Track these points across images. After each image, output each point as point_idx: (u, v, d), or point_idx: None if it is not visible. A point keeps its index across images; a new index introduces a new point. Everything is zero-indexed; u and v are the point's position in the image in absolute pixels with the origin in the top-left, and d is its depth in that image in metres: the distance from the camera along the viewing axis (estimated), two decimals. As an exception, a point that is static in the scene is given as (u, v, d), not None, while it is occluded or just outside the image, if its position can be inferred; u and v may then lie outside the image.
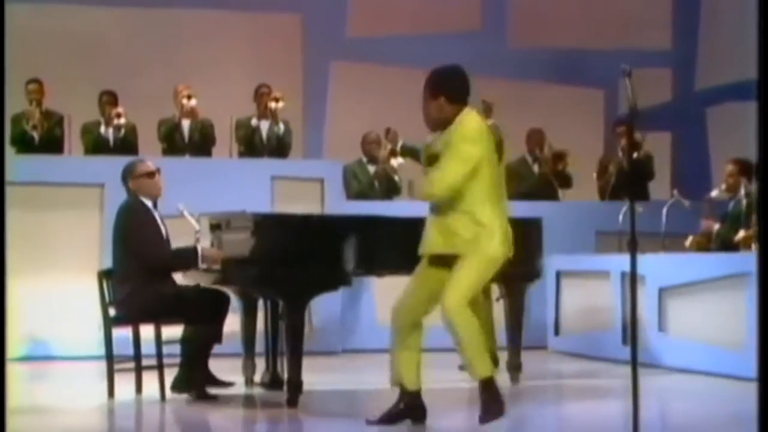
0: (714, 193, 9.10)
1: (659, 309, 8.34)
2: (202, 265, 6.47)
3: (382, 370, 5.81)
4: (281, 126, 10.39)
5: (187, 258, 6.50)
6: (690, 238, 8.97)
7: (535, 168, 11.02)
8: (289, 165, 10.14)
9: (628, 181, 10.36)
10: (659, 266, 8.32)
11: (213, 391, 6.59)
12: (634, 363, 4.59)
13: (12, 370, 7.47)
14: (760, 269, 3.69)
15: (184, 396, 6.53)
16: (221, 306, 6.59)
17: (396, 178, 10.53)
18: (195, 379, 6.51)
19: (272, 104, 10.32)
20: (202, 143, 10.35)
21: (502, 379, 7.45)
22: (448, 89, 5.32)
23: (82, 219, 9.22)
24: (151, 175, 6.69)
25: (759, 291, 3.61)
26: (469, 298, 5.20)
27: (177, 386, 6.54)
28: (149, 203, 6.66)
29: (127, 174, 6.70)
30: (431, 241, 5.32)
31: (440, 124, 5.34)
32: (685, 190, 9.90)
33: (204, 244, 6.81)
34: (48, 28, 11.68)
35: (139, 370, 6.61)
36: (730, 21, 12.28)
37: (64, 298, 8.98)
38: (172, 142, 10.32)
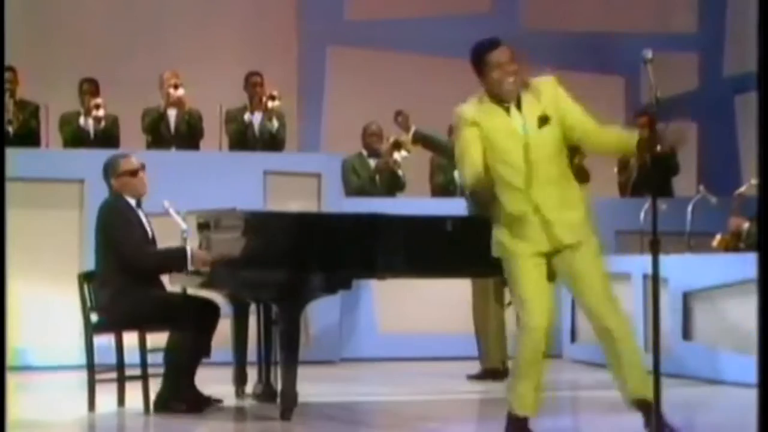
0: (744, 189, 9.10)
1: (683, 314, 8.35)
2: (190, 267, 6.48)
3: (383, 381, 5.82)
4: (274, 122, 10.40)
5: (175, 260, 6.50)
6: (717, 238, 8.97)
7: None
8: (284, 159, 10.15)
9: (650, 177, 10.36)
10: (684, 268, 8.33)
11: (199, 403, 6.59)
12: (657, 373, 4.61)
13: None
14: (761, 271, 3.69)
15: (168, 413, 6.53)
16: (211, 316, 6.58)
17: (399, 172, 10.54)
18: (180, 394, 6.50)
19: (269, 103, 10.32)
20: (189, 135, 10.36)
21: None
22: None
23: (60, 217, 9.24)
24: (134, 173, 6.69)
25: (759, 295, 3.62)
26: None
27: (161, 404, 6.51)
28: (133, 201, 6.67)
29: (109, 171, 6.70)
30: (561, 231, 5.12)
31: None
32: (712, 185, 9.90)
33: (191, 244, 6.82)
34: (22, 9, 11.69)
35: (121, 381, 6.62)
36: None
37: (41, 303, 9.00)
38: (157, 134, 10.33)
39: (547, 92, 5.10)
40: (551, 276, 5.21)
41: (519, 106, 5.06)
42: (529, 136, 5.03)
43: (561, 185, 5.11)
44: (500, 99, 5.05)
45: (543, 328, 5.09)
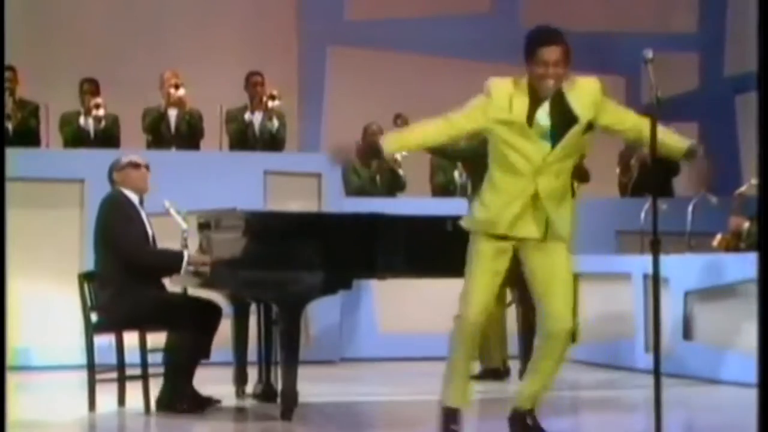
0: (744, 189, 9.10)
1: (684, 314, 8.35)
2: (188, 268, 6.48)
3: (383, 381, 5.83)
4: (275, 122, 10.40)
5: (172, 260, 6.49)
6: (718, 238, 8.98)
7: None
8: (284, 159, 10.15)
9: (650, 176, 10.36)
10: (684, 268, 8.33)
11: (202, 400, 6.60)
12: (657, 373, 4.60)
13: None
14: (761, 271, 3.70)
15: (171, 412, 6.53)
16: (212, 317, 6.57)
17: (399, 172, 10.55)
18: (180, 393, 6.50)
19: (269, 103, 10.32)
20: (189, 135, 10.36)
21: (515, 389, 7.47)
22: None
23: (60, 217, 9.24)
24: (136, 166, 6.70)
25: (759, 295, 3.62)
26: None
27: (163, 404, 6.52)
28: (135, 198, 6.67)
29: (113, 167, 6.73)
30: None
31: None
32: (713, 185, 9.89)
33: (192, 244, 6.82)
34: (23, 9, 11.69)
35: (122, 381, 6.62)
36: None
37: (42, 303, 9.00)
38: (158, 134, 10.34)
39: (589, 93, 5.05)
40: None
41: (556, 101, 5.00)
42: (552, 132, 5.00)
43: (563, 182, 5.11)
44: (535, 91, 5.00)
45: (478, 323, 5.25)
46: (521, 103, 5.01)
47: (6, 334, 4.13)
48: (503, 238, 5.11)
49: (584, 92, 5.05)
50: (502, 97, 5.02)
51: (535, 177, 5.03)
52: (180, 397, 6.49)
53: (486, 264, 5.13)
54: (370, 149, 5.24)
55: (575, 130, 5.02)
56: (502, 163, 5.08)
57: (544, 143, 5.01)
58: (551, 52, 4.95)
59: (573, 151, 5.10)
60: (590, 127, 5.04)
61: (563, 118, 5.01)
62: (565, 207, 5.14)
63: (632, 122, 5.14)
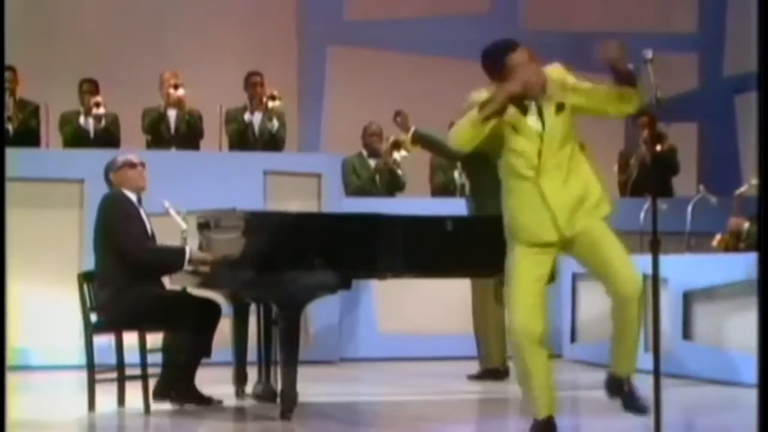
0: (744, 189, 9.10)
1: (684, 314, 8.35)
2: (188, 267, 6.49)
3: (382, 381, 5.82)
4: (275, 122, 10.40)
5: (173, 257, 6.50)
6: (717, 238, 8.97)
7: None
8: (284, 159, 10.15)
9: (650, 176, 10.37)
10: (684, 268, 8.33)
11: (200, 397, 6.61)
12: (657, 373, 4.61)
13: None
14: (761, 271, 3.71)
15: (169, 408, 6.54)
16: (212, 316, 6.59)
17: (399, 172, 10.55)
18: (178, 384, 6.52)
19: (269, 103, 10.32)
20: (189, 135, 10.36)
21: (514, 390, 7.47)
22: None
23: (60, 217, 9.24)
24: (133, 165, 6.71)
25: (759, 295, 3.63)
26: None
27: (159, 393, 6.54)
28: (133, 197, 6.68)
29: (109, 168, 6.73)
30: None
31: None
32: (712, 185, 9.90)
33: (191, 244, 6.82)
34: (22, 8, 11.68)
35: (121, 381, 6.62)
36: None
37: (41, 303, 9.00)
38: (158, 134, 10.34)
39: (557, 78, 5.04)
40: (553, 275, 5.21)
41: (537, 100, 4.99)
42: (544, 131, 4.98)
43: (569, 169, 5.03)
44: (521, 98, 4.98)
45: (530, 329, 5.00)
46: (509, 113, 4.97)
47: (6, 334, 4.14)
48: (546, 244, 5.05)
49: (554, 77, 5.03)
50: None
51: (538, 179, 5.00)
52: (176, 389, 6.50)
53: (527, 271, 5.03)
54: None
55: (562, 115, 4.98)
56: (510, 172, 5.05)
57: (539, 143, 4.98)
58: (520, 55, 5.00)
59: (565, 138, 5.01)
60: (561, 107, 4.99)
61: (552, 110, 4.99)
62: (575, 197, 5.04)
63: (604, 93, 5.06)
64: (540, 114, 5.00)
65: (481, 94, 5.00)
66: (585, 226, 5.05)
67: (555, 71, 5.10)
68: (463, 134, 4.99)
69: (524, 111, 5.00)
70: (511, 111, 4.97)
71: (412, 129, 8.29)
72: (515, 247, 5.04)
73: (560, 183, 5.01)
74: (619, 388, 5.30)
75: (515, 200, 5.05)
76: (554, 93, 4.99)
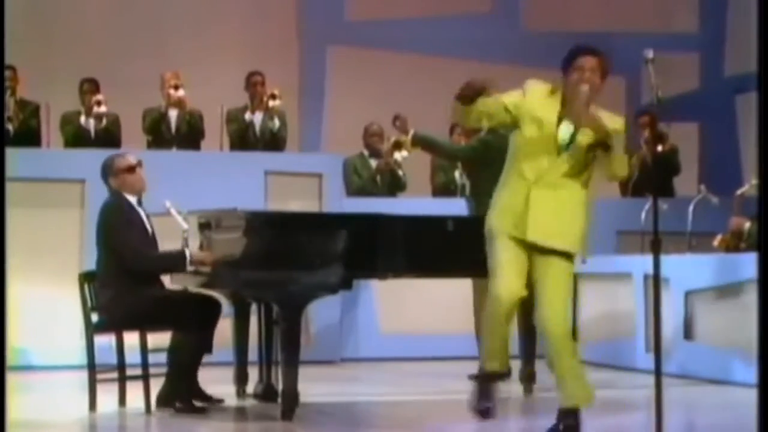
0: (744, 189, 9.10)
1: (685, 314, 8.35)
2: (189, 267, 6.48)
3: (383, 381, 5.82)
4: (275, 122, 10.39)
5: (174, 262, 6.50)
6: (718, 238, 8.97)
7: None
8: (285, 159, 10.15)
9: (651, 176, 10.36)
10: (685, 268, 8.33)
11: (200, 405, 6.59)
12: (658, 373, 4.60)
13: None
14: (761, 271, 3.70)
15: (170, 409, 6.54)
16: (212, 313, 6.60)
17: (400, 173, 10.54)
18: (180, 390, 6.50)
19: (270, 103, 10.32)
20: (190, 135, 10.36)
21: (515, 389, 7.47)
22: None
23: (61, 217, 9.24)
24: (131, 169, 6.69)
25: (759, 294, 3.63)
26: None
27: (163, 401, 6.53)
28: (133, 200, 6.67)
29: (107, 170, 6.71)
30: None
31: None
32: (714, 185, 9.90)
33: (192, 244, 6.82)
34: (23, 8, 11.68)
35: (122, 381, 6.62)
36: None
37: (42, 303, 8.99)
38: (158, 134, 10.33)
39: (611, 123, 5.10)
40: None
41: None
42: (566, 146, 5.10)
43: (564, 198, 5.15)
44: (566, 102, 5.10)
45: (508, 300, 5.16)
46: (551, 108, 5.13)
47: (6, 334, 4.14)
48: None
49: (606, 119, 5.10)
50: (536, 97, 5.17)
51: (532, 184, 5.10)
52: (180, 397, 6.49)
53: (507, 251, 5.18)
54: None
55: (580, 137, 5.07)
56: (514, 173, 5.19)
57: (556, 155, 5.09)
58: (588, 60, 5.14)
59: (576, 166, 5.10)
60: (591, 148, 5.07)
61: (581, 135, 5.09)
62: (558, 220, 5.13)
63: (617, 166, 5.18)
64: (572, 133, 5.09)
65: (537, 83, 5.19)
66: (546, 254, 5.16)
67: (615, 118, 5.17)
68: (464, 117, 5.18)
69: (560, 120, 5.11)
70: (548, 114, 5.11)
71: (412, 132, 8.28)
72: (498, 237, 5.19)
73: (549, 201, 5.12)
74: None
75: (505, 191, 5.21)
76: (594, 126, 5.03)
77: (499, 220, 5.22)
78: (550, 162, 5.12)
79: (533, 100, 5.17)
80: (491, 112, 5.18)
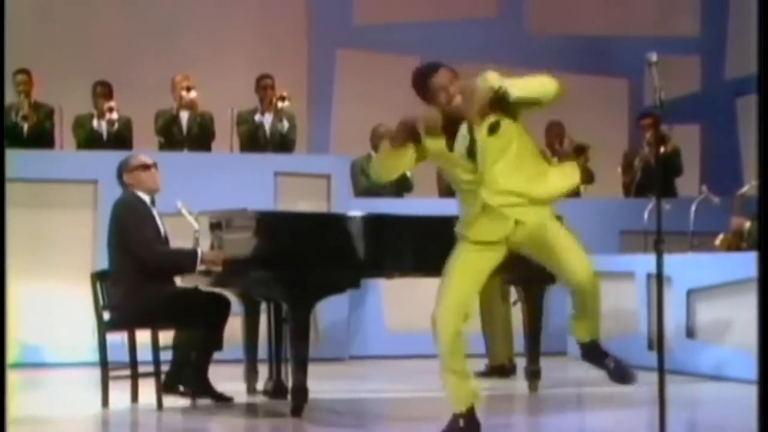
0: (745, 189, 9.08)
1: (687, 312, 8.33)
2: (200, 267, 6.48)
3: (391, 378, 5.80)
4: (285, 123, 10.39)
5: (186, 260, 6.50)
6: (720, 237, 8.95)
7: (555, 163, 11.00)
8: (294, 160, 10.15)
9: (654, 177, 10.34)
10: (687, 267, 8.31)
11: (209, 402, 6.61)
12: (661, 370, 4.59)
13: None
14: (761, 270, 3.69)
15: (182, 405, 6.54)
16: (222, 310, 6.60)
17: (407, 174, 10.52)
18: (189, 378, 6.53)
19: (279, 104, 10.32)
20: (201, 137, 10.36)
21: (520, 386, 7.46)
22: None
23: (74, 218, 9.24)
24: (146, 167, 6.70)
25: (759, 293, 3.61)
26: None
27: (169, 385, 6.55)
28: (147, 199, 6.67)
29: (122, 168, 6.73)
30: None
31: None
32: (715, 185, 9.87)
33: (203, 243, 6.81)
34: (37, 13, 11.69)
35: (134, 378, 6.61)
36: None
37: (55, 301, 9.00)
38: (170, 136, 10.33)
39: (480, 84, 4.97)
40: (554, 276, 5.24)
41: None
42: (474, 152, 4.95)
43: (513, 169, 4.97)
44: (452, 118, 4.99)
45: (441, 331, 5.13)
46: (439, 138, 5.03)
47: (6, 333, 4.12)
48: (489, 243, 5.05)
49: (473, 87, 4.99)
50: (428, 137, 5.08)
51: (478, 189, 4.98)
52: (187, 383, 6.52)
53: (467, 263, 5.06)
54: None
55: (498, 133, 4.93)
56: (457, 184, 5.11)
57: (477, 156, 4.96)
58: (441, 76, 5.05)
59: (500, 150, 4.95)
60: (495, 126, 4.93)
61: (484, 129, 4.95)
62: (522, 201, 4.98)
63: (532, 94, 4.95)
64: (471, 133, 4.96)
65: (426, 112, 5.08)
66: (534, 226, 5.01)
67: (490, 76, 4.98)
68: (380, 166, 5.22)
69: (453, 134, 4.99)
70: (436, 142, 5.02)
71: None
72: (461, 243, 5.09)
73: (502, 188, 4.95)
74: (597, 355, 5.52)
75: (462, 205, 5.10)
76: (484, 101, 4.90)
77: (465, 229, 5.08)
78: (473, 170, 4.96)
79: (428, 143, 5.07)
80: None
